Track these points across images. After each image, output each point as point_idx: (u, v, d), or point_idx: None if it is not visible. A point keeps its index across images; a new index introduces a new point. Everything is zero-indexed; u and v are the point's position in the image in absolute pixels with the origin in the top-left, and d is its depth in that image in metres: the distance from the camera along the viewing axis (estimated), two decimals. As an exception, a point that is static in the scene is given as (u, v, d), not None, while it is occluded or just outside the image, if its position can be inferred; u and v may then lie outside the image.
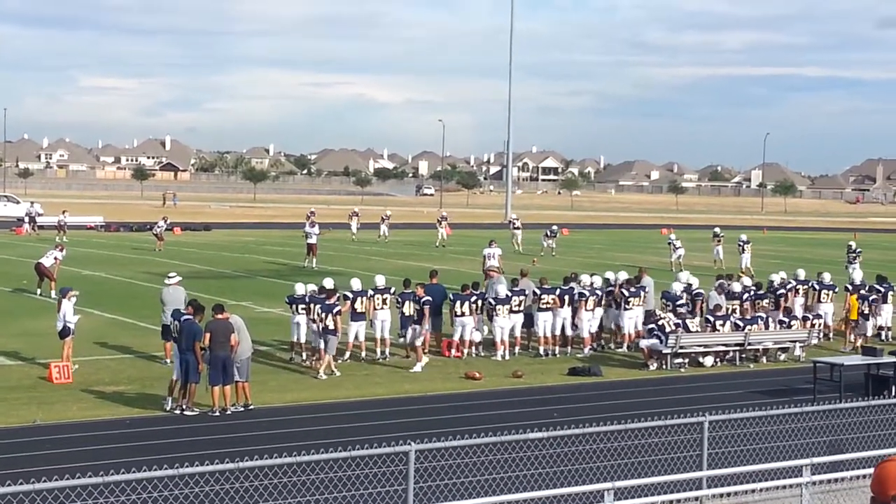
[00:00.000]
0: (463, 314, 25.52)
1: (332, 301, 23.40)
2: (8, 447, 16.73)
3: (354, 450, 11.03)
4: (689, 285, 28.04)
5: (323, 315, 22.93)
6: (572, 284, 27.04)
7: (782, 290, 28.92)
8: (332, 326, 22.91)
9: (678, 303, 26.42)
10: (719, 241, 52.13)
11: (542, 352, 26.16)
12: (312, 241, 48.08)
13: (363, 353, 24.80)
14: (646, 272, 29.02)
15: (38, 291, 34.86)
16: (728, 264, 47.57)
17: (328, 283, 24.48)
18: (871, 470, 14.49)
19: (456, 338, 25.71)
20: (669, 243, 51.54)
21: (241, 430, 18.23)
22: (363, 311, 24.80)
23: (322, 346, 23.06)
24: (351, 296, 24.81)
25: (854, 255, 45.22)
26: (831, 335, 29.41)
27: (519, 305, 26.23)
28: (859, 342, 27.34)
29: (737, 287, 28.40)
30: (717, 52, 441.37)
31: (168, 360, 22.35)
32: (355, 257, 52.31)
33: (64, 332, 22.43)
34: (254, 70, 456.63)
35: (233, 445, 16.66)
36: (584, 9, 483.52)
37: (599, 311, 27.01)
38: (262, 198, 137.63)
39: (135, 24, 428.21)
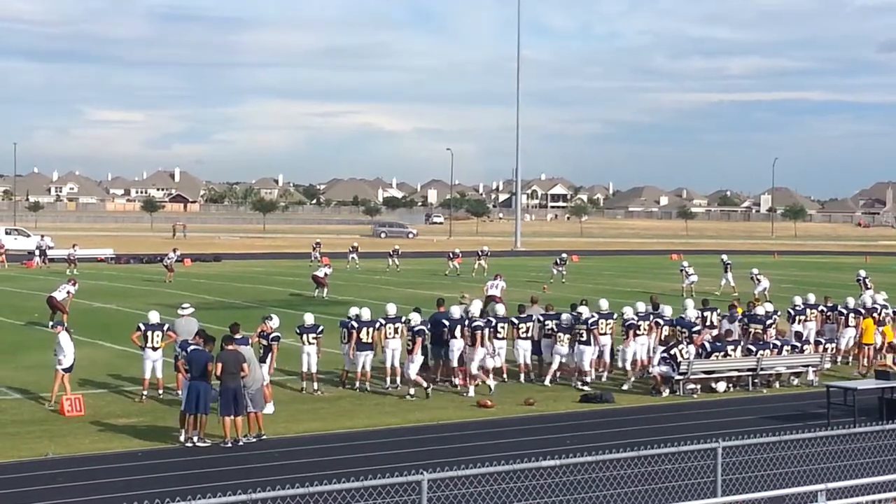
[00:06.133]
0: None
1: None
2: (20, 481, 16.72)
3: (367, 480, 11.00)
4: (704, 316, 28.04)
5: (370, 330, 24.69)
6: (580, 309, 26.68)
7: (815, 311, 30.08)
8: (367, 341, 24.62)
9: (694, 329, 26.32)
10: (728, 268, 52.01)
11: (549, 380, 25.98)
12: (318, 273, 48.38)
13: (367, 383, 24.82)
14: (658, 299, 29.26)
15: (50, 324, 34.89)
16: (740, 289, 47.55)
17: (366, 313, 25.10)
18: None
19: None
20: (682, 270, 51.53)
21: (253, 461, 18.21)
22: (369, 341, 24.80)
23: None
24: (356, 325, 24.80)
25: (864, 281, 44.92)
26: (850, 359, 29.37)
27: (527, 332, 26.18)
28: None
29: (759, 311, 28.35)
30: (723, 78, 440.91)
31: (179, 392, 22.35)
32: (365, 286, 52.34)
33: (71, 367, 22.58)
34: (262, 101, 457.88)
35: (245, 476, 16.63)
36: (588, 36, 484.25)
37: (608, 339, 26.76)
38: (271, 228, 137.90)
39: (142, 56, 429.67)
